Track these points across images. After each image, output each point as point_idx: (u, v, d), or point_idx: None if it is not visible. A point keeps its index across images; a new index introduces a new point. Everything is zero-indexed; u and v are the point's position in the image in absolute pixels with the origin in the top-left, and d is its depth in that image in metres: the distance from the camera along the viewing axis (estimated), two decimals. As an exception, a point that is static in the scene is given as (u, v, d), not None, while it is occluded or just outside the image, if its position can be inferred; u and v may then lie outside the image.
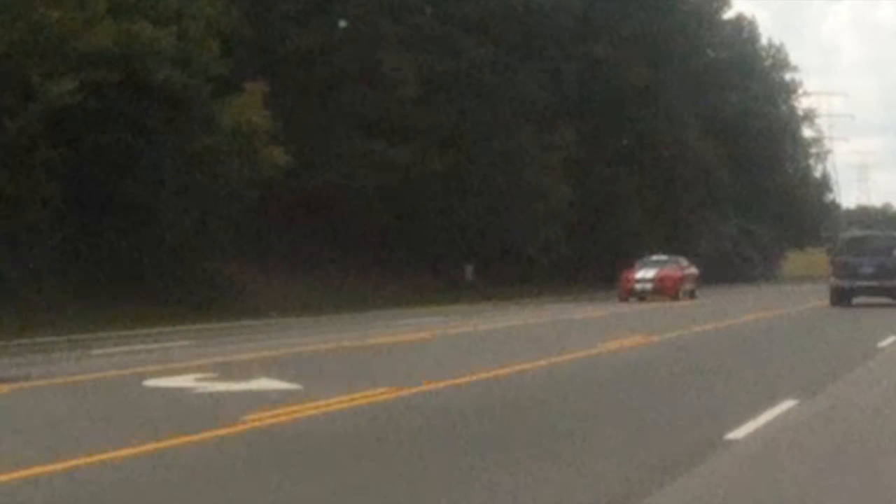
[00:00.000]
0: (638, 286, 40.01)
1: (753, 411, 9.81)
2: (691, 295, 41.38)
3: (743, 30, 78.85)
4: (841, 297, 32.56)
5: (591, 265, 56.31)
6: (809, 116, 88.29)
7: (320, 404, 10.47)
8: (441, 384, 12.32)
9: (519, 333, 22.40)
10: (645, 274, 40.60)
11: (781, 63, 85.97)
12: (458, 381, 12.64)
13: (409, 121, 41.98)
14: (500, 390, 12.05)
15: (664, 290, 39.68)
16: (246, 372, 13.36)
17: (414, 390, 11.68)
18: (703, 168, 66.86)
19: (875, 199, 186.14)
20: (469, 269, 48.37)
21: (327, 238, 41.84)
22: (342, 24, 41.00)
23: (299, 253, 40.14)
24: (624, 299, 39.36)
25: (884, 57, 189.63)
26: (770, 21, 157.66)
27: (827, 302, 34.03)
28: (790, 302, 36.48)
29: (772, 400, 10.54)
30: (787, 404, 10.40)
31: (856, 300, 32.82)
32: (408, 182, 42.95)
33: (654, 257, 43.41)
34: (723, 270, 69.89)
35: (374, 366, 15.21)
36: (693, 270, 43.69)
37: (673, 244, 65.22)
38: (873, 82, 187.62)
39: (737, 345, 18.74)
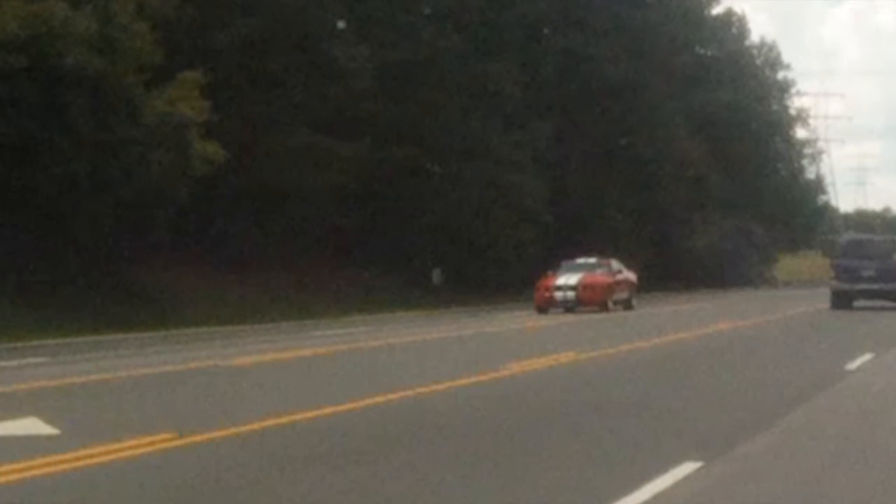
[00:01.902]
0: (558, 294, 33.87)
1: (628, 486, 6.81)
2: (626, 305, 35.41)
3: (732, 26, 76.21)
4: (842, 300, 32.72)
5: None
6: (802, 116, 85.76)
7: (45, 461, 7.69)
8: (255, 425, 9.42)
9: (431, 349, 19.68)
10: (567, 280, 34.32)
11: (774, 61, 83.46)
12: (279, 420, 9.78)
13: (364, 114, 39.30)
14: (315, 437, 9.13)
15: (590, 299, 33.88)
16: (20, 406, 10.64)
17: (202, 437, 8.83)
18: (690, 167, 64.24)
19: (874, 204, 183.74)
20: (437, 273, 45.68)
21: (279, 240, 39.09)
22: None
23: (246, 257, 37.41)
24: (542, 311, 33.44)
25: (884, 61, 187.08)
26: (770, 25, 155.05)
27: (808, 309, 33.32)
28: (767, 310, 33.63)
29: (664, 464, 7.47)
30: (683, 470, 7.35)
31: (855, 303, 32.97)
32: (367, 180, 40.33)
33: (581, 260, 37.02)
34: (710, 275, 67.52)
35: (195, 396, 12.33)
36: (628, 276, 37.01)
37: (658, 246, 62.95)
38: (873, 86, 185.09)
39: (658, 373, 14.52)
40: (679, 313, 32.97)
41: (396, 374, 14.57)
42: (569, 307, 33.48)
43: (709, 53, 73.08)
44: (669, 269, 64.16)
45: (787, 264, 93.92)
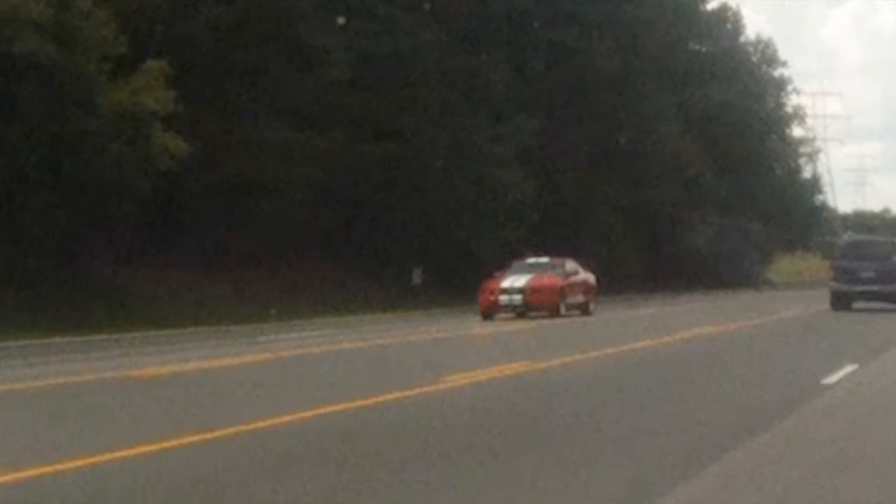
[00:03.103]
0: (504, 298, 30.79)
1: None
2: (584, 310, 32.33)
3: (727, 21, 74.85)
4: (841, 302, 32.96)
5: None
6: (799, 115, 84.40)
7: None
8: (63, 465, 7.84)
9: (375, 356, 18.30)
10: (513, 283, 31.26)
11: (770, 58, 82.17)
12: (95, 458, 8.17)
13: (341, 107, 38.00)
14: (173, 472, 7.67)
15: (539, 303, 30.87)
16: None
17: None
18: (684, 165, 62.89)
19: (873, 204, 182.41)
20: (417, 273, 44.30)
21: (251, 238, 37.76)
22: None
23: (217, 255, 36.10)
24: (488, 316, 30.55)
25: (884, 62, 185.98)
26: (770, 25, 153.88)
27: (800, 312, 32.78)
28: (755, 313, 32.17)
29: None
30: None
31: (854, 304, 33.12)
32: (344, 175, 39.04)
33: (531, 260, 34.01)
34: (706, 275, 66.37)
35: (63, 416, 10.94)
36: (585, 277, 33.82)
37: (652, 246, 61.67)
38: (873, 87, 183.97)
39: (591, 394, 12.28)
40: (650, 318, 30.68)
41: (319, 388, 13.22)
42: (518, 312, 31.00)
43: (703, 49, 71.83)
44: (663, 269, 63.00)
45: (784, 265, 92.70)
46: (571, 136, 54.58)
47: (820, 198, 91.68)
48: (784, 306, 36.98)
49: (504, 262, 43.23)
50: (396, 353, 18.98)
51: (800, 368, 15.18)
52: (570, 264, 33.84)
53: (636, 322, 28.52)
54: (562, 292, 31.51)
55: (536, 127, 48.14)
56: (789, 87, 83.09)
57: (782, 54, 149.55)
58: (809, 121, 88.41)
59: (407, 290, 42.58)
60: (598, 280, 35.10)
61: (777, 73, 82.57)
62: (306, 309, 34.57)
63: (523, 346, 20.31)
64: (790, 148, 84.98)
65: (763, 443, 8.88)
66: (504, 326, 27.22)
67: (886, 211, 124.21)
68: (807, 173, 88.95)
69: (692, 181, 64.57)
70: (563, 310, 31.15)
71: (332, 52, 36.63)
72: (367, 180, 40.78)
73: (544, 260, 33.97)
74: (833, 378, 13.65)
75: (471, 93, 44.39)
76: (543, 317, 30.35)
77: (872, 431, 9.74)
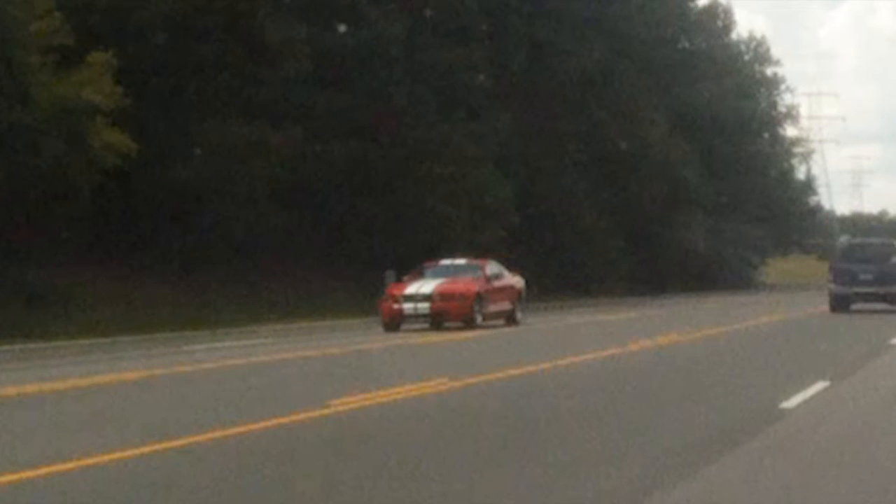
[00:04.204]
0: (408, 307, 26.62)
1: None
2: (509, 319, 28.46)
3: (717, 18, 73.22)
4: (840, 303, 33.10)
5: (539, 271, 50.65)
6: (792, 114, 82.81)
7: None
8: None
9: (288, 370, 16.60)
10: (420, 288, 27.16)
11: (763, 57, 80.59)
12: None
13: (302, 102, 36.32)
14: None
15: (449, 311, 26.61)
16: None
17: None
18: (671, 164, 61.21)
19: (870, 206, 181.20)
20: (390, 276, 42.58)
21: (209, 239, 35.95)
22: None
23: (172, 257, 34.35)
24: (392, 327, 26.59)
25: (881, 63, 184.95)
26: (768, 27, 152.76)
27: (788, 316, 32.28)
28: (735, 317, 30.66)
29: None
30: None
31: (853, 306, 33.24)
32: (305, 174, 37.32)
33: (446, 262, 29.94)
34: (694, 277, 64.94)
35: None
36: (511, 282, 29.47)
37: (637, 248, 60.02)
38: (870, 88, 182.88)
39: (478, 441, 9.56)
40: (600, 326, 27.73)
41: (208, 410, 11.57)
42: (428, 322, 26.70)
43: (692, 47, 70.18)
44: (653, 271, 61.51)
45: (780, 266, 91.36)
46: (554, 136, 52.95)
47: (815, 199, 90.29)
48: (775, 309, 35.90)
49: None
50: (292, 370, 17.02)
51: (759, 387, 13.12)
52: (493, 266, 29.64)
53: (576, 331, 25.79)
54: (478, 299, 27.28)
55: (515, 125, 46.51)
56: (782, 86, 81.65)
57: (779, 56, 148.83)
58: (805, 122, 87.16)
59: (379, 293, 40.91)
60: (526, 284, 31.12)
61: (770, 71, 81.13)
62: (276, 314, 33.00)
63: (408, 365, 17.83)
64: (783, 148, 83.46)
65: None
66: (409, 339, 23.57)
67: (884, 213, 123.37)
68: (801, 174, 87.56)
69: (681, 181, 62.87)
70: (479, 319, 27.09)
71: (294, 45, 34.91)
72: (334, 179, 39.16)
73: (462, 262, 30.14)
74: (794, 400, 11.64)
75: (445, 89, 42.74)
76: (459, 328, 26.62)
77: (819, 483, 7.68)
